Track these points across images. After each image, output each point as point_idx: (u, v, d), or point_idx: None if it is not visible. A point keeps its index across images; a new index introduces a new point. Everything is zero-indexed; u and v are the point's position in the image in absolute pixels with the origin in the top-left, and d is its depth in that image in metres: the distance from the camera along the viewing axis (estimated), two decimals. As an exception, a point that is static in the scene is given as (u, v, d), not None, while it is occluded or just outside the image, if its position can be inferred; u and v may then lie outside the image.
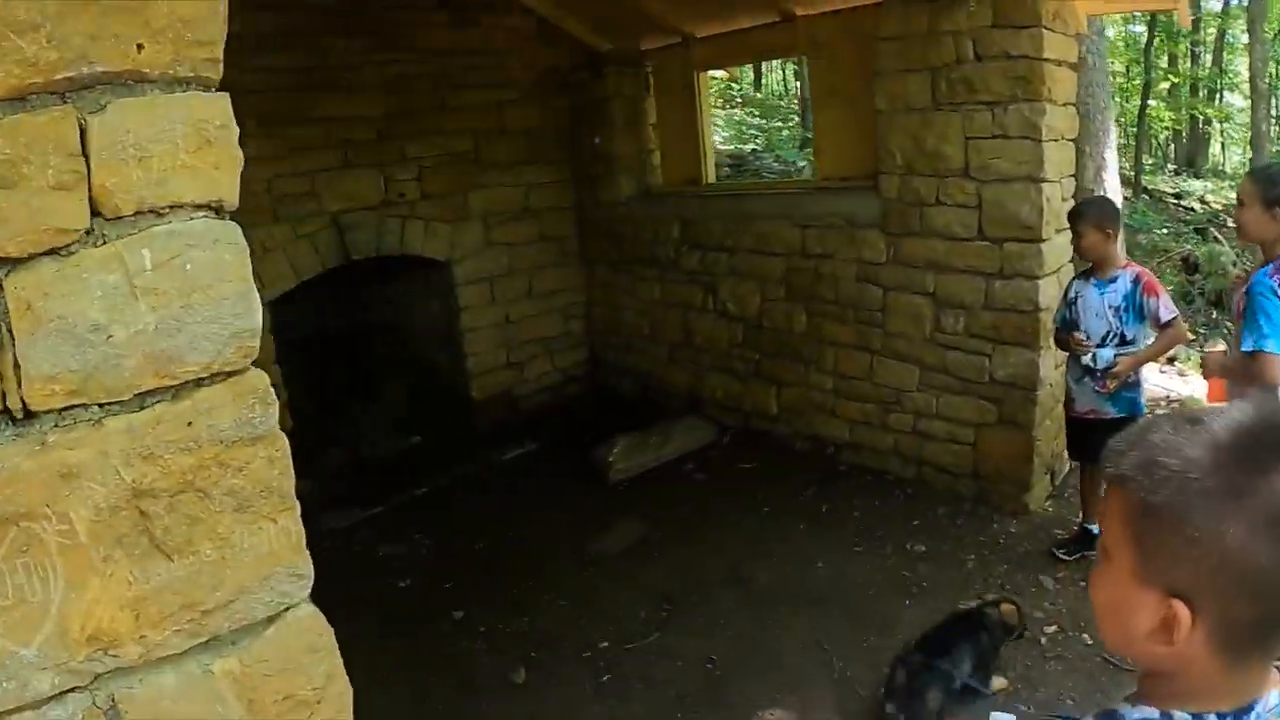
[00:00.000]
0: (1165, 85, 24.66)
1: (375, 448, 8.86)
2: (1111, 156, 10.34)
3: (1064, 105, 6.15)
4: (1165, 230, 15.84)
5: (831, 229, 7.25)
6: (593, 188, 9.47)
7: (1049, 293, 6.10)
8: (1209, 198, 19.88)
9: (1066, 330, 5.50)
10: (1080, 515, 6.01)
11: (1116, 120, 22.84)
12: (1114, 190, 10.13)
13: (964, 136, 6.19)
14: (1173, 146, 28.83)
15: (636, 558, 6.35)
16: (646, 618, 5.63)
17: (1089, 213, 5.42)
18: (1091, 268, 5.47)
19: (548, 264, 9.65)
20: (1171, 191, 20.21)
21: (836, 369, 7.44)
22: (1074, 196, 9.96)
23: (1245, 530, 1.09)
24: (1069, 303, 5.55)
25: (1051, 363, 6.26)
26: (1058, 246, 6.17)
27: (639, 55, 8.98)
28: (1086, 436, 5.50)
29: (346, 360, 9.29)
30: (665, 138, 9.17)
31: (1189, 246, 14.20)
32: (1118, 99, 23.96)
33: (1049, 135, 5.89)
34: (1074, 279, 5.63)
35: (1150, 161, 24.79)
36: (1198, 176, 24.08)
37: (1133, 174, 18.87)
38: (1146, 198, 18.42)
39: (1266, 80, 21.29)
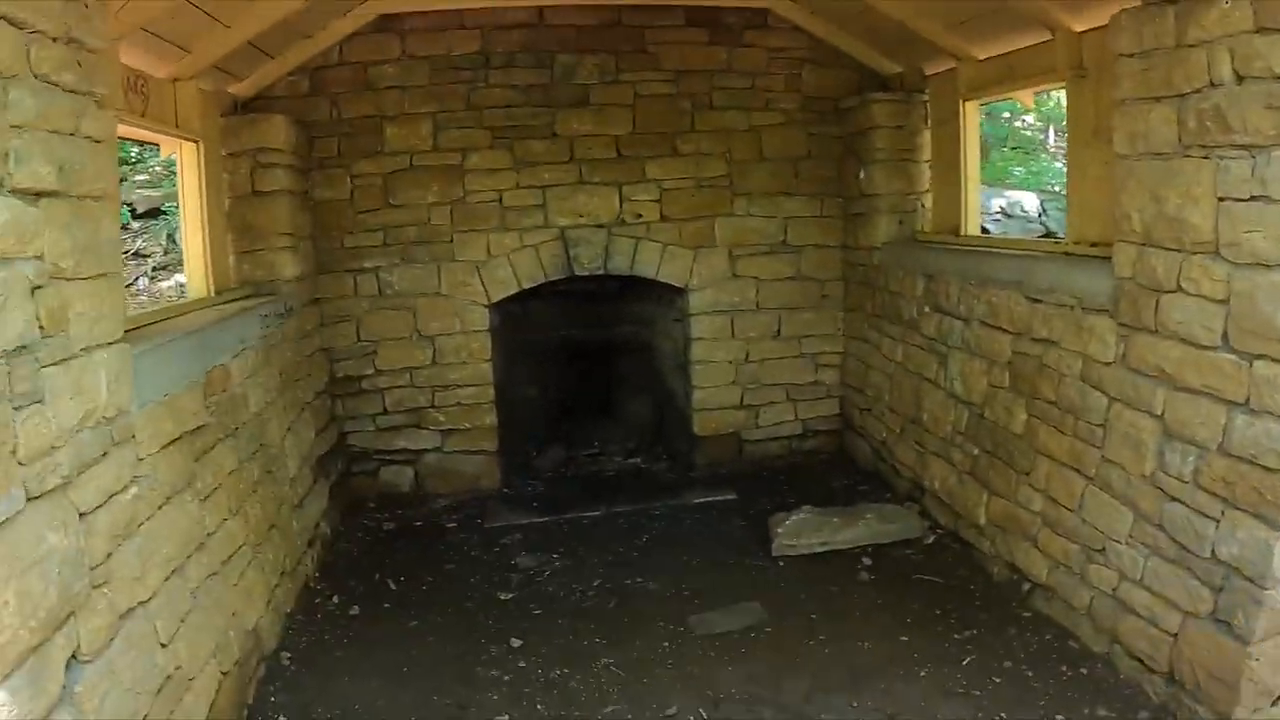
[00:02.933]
0: None
1: (595, 461, 8.43)
2: None
3: None
4: None
5: (1060, 309, 5.20)
6: (855, 228, 7.81)
7: (1310, 447, 3.77)
8: None
9: None
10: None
11: None
12: None
13: (1215, 196, 3.99)
14: None
15: (724, 648, 5.09)
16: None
17: None
18: None
19: (803, 305, 8.15)
20: None
21: (1048, 488, 5.34)
22: None
23: None
24: None
25: (1308, 551, 3.90)
26: (1338, 378, 3.79)
27: (921, 80, 7.27)
28: None
29: (596, 371, 8.88)
30: (935, 178, 7.36)
31: None
32: None
33: (1328, 199, 3.59)
34: None
35: None
36: None
37: None
38: None
39: None
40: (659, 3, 7.14)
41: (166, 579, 3.79)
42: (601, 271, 7.61)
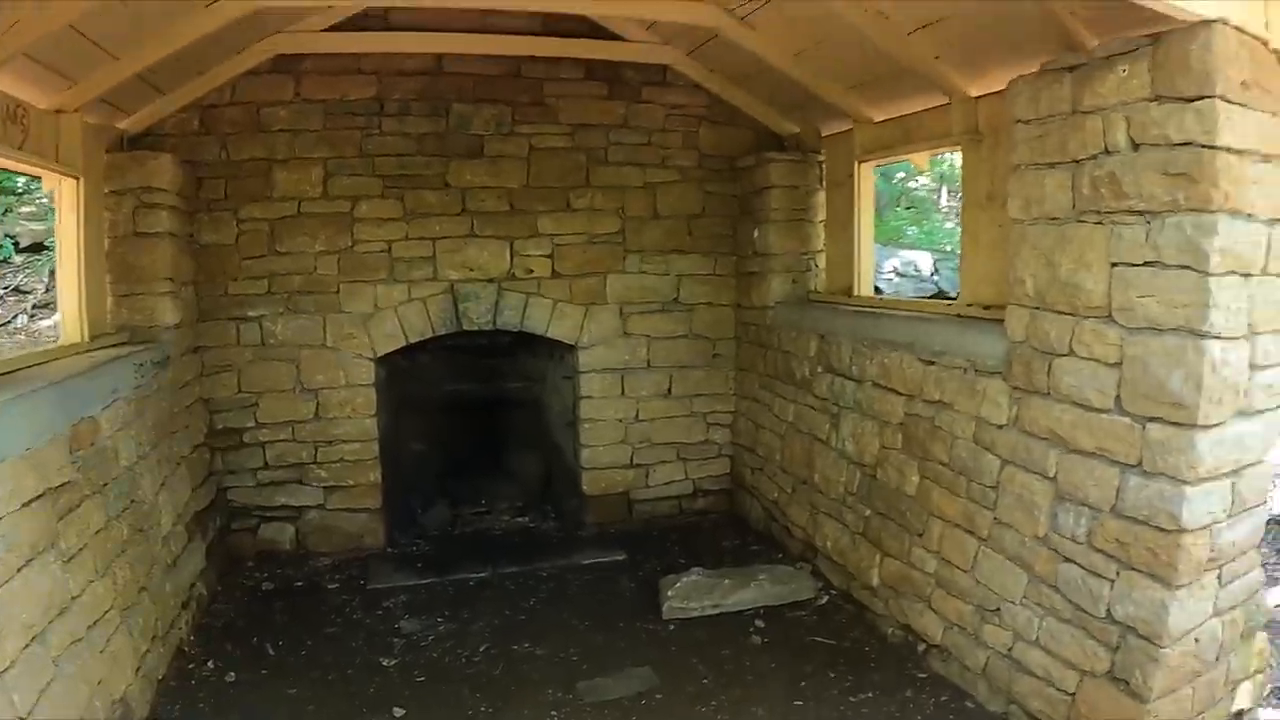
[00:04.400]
0: None
1: (483, 519, 8.10)
2: None
3: (1270, 222, 3.79)
4: None
5: (953, 371, 5.15)
6: (748, 287, 7.71)
7: (1201, 509, 3.76)
8: None
9: None
10: None
11: None
12: None
13: (1108, 261, 4.00)
14: None
15: (615, 715, 4.87)
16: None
17: None
18: None
19: (694, 363, 8.01)
20: None
21: (940, 549, 5.27)
22: None
23: None
24: None
25: (1197, 610, 3.91)
26: (1227, 440, 3.79)
27: (817, 140, 7.27)
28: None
29: (485, 427, 8.64)
30: (830, 238, 7.33)
31: None
32: None
33: (1222, 266, 3.59)
34: None
35: None
36: None
37: None
38: None
39: None
40: (559, 55, 7.01)
41: (25, 647, 3.45)
42: (491, 327, 7.38)
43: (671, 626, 5.88)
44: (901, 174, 15.41)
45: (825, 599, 6.26)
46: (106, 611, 4.30)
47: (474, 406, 8.39)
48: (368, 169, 6.99)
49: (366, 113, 6.96)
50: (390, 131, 7.03)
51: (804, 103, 6.83)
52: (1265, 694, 4.88)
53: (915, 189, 17.15)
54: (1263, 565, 6.73)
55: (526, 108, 7.30)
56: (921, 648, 5.35)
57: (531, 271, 7.40)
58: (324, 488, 7.13)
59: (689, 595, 6.03)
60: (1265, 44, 3.71)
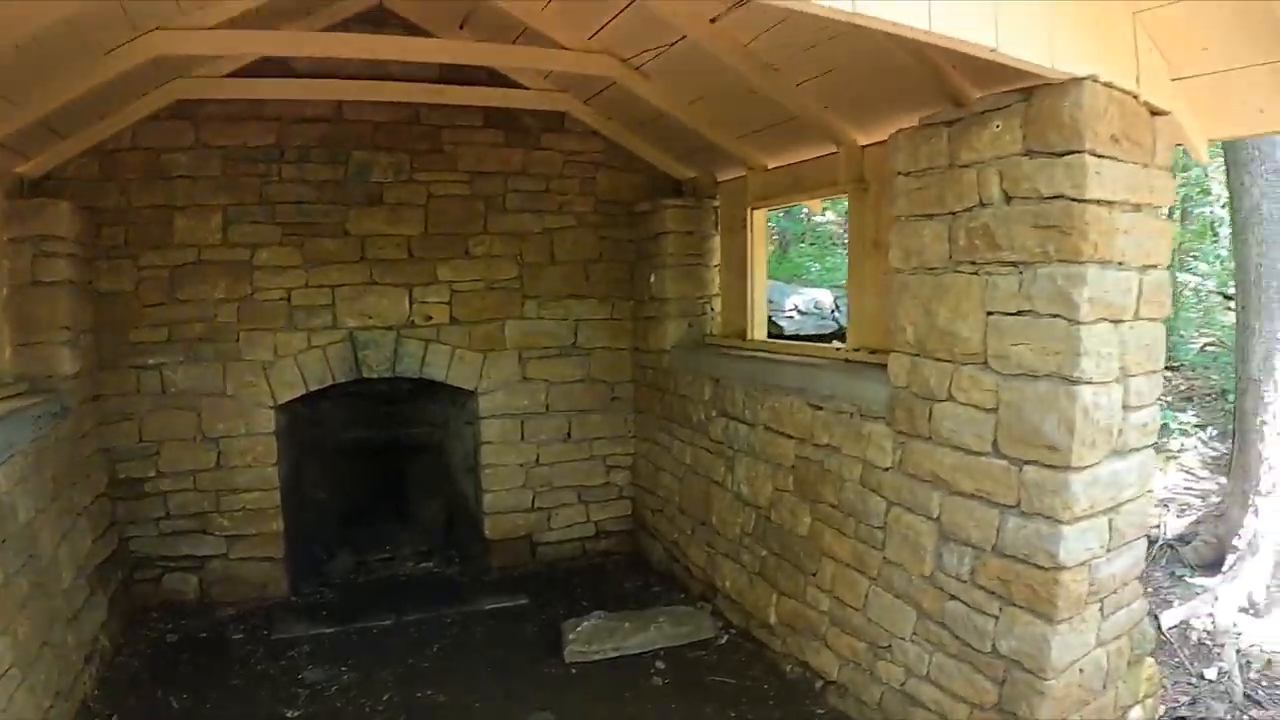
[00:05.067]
0: None
1: (387, 566, 7.91)
2: None
3: (1141, 269, 3.95)
4: None
5: (841, 415, 5.22)
6: (645, 331, 7.72)
7: (1078, 547, 3.86)
8: None
9: None
10: None
11: None
12: None
13: (984, 310, 4.09)
14: None
15: None
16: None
17: None
18: None
19: (593, 407, 7.99)
20: None
21: (833, 589, 5.32)
22: (1239, 386, 7.77)
23: None
24: None
25: (1080, 642, 3.99)
26: (1101, 480, 3.90)
27: (713, 186, 7.33)
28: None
29: (388, 473, 8.45)
30: (725, 282, 7.36)
31: None
32: None
33: (1092, 314, 3.69)
34: None
35: None
36: None
37: None
38: None
39: None
40: (458, 103, 6.95)
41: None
42: (390, 374, 7.27)
43: (574, 670, 5.82)
44: (806, 210, 15.63)
45: (725, 638, 6.26)
46: (8, 669, 4.11)
47: (376, 453, 8.24)
48: (267, 216, 6.84)
49: (266, 159, 6.82)
50: (290, 178, 6.90)
51: (699, 149, 6.88)
52: (1158, 717, 5.01)
53: (822, 224, 17.33)
54: (1154, 589, 7.04)
55: (425, 155, 7.23)
56: (819, 684, 5.39)
57: (430, 318, 7.31)
58: (227, 537, 6.91)
59: (590, 639, 5.98)
60: (1136, 98, 3.83)
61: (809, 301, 10.94)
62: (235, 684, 5.68)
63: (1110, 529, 4.00)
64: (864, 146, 5.56)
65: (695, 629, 6.26)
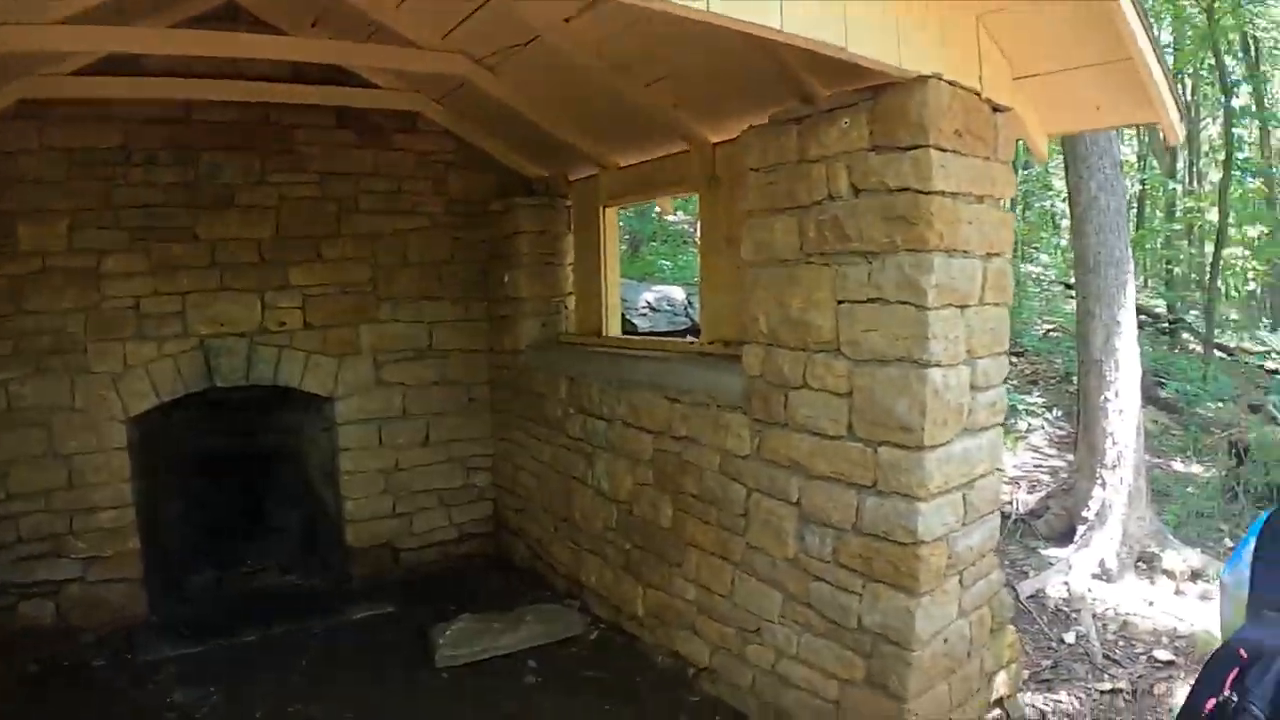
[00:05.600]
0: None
1: (250, 580, 7.52)
2: (1129, 320, 7.91)
3: (985, 257, 4.10)
4: (1232, 402, 13.03)
5: (697, 407, 5.22)
6: (500, 332, 7.59)
7: (935, 522, 3.96)
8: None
9: None
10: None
11: (1196, 268, 19.88)
12: (1130, 360, 7.80)
13: (835, 299, 4.15)
14: (1269, 299, 24.73)
15: None
16: None
17: None
18: None
19: (451, 410, 7.78)
20: (1259, 351, 16.89)
21: (699, 577, 5.32)
22: (1081, 368, 8.14)
23: None
24: None
25: (942, 613, 4.10)
26: (954, 457, 4.02)
27: (565, 185, 7.23)
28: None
29: (247, 484, 7.97)
30: (578, 281, 7.30)
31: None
32: (1193, 246, 20.98)
33: (939, 299, 3.80)
34: None
35: (1236, 317, 21.44)
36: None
37: (1203, 331, 15.77)
38: (1227, 358, 15.56)
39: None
40: (310, 103, 6.65)
41: None
42: (244, 382, 6.92)
43: (445, 675, 5.66)
44: (658, 210, 15.68)
45: (595, 633, 6.21)
46: None
47: (235, 463, 7.82)
48: (114, 221, 6.38)
49: (113, 162, 6.36)
50: (137, 182, 6.47)
51: (552, 148, 6.77)
52: (1022, 681, 5.20)
53: (672, 224, 17.41)
54: (1011, 562, 7.29)
55: (277, 156, 6.89)
56: (691, 672, 5.38)
57: (284, 324, 6.98)
58: (83, 559, 6.43)
59: (460, 642, 5.84)
60: (979, 95, 3.96)
61: (661, 298, 10.96)
62: (104, 713, 5.34)
63: (965, 504, 4.12)
64: (715, 144, 5.55)
65: (565, 626, 6.19)
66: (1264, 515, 1.92)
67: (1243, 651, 1.71)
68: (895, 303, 3.86)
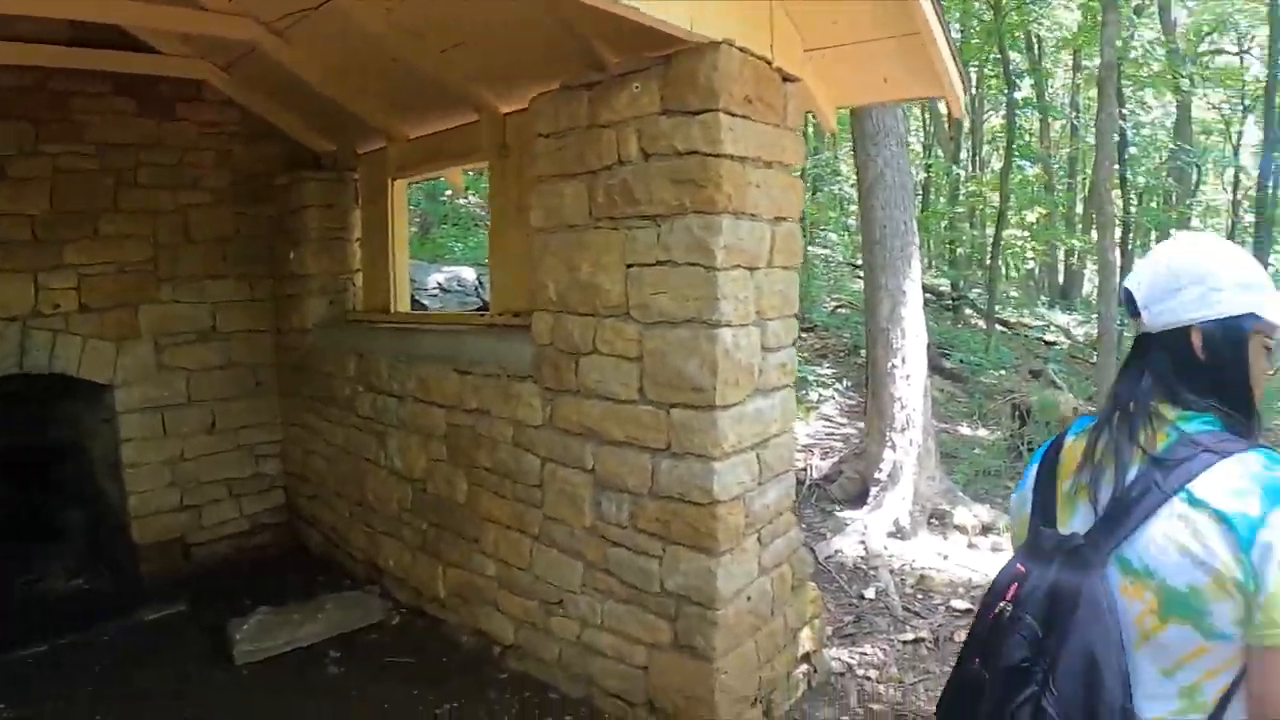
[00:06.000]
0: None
1: (33, 587, 6.76)
2: (914, 290, 8.10)
3: (774, 220, 4.08)
4: (1014, 370, 13.79)
5: (489, 379, 5.02)
6: (287, 311, 7.16)
7: (731, 481, 3.91)
8: (1075, 331, 17.87)
9: None
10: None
11: (982, 247, 21.03)
12: (915, 329, 8.00)
13: (624, 263, 4.05)
14: (1046, 278, 26.52)
15: None
16: None
17: None
18: None
19: (237, 395, 7.27)
20: (1037, 324, 18.07)
21: (498, 552, 5.13)
22: (869, 337, 8.33)
23: None
24: None
25: (743, 571, 4.07)
26: (747, 417, 3.97)
27: (354, 158, 6.84)
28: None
29: (27, 482, 7.22)
30: (366, 257, 6.94)
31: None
32: (975, 229, 22.04)
33: (728, 260, 3.75)
34: None
35: (1015, 294, 22.73)
36: (1071, 309, 22.00)
37: (985, 307, 16.68)
38: (1008, 332, 16.38)
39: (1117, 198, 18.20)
40: (87, 68, 6.02)
41: None
42: (18, 370, 6.24)
43: (245, 671, 5.28)
44: (449, 193, 15.29)
45: (398, 618, 5.94)
46: None
47: (12, 461, 7.09)
48: None
49: None
50: None
51: (341, 121, 6.37)
52: (827, 636, 5.26)
53: (463, 206, 17.08)
54: (808, 526, 7.39)
55: (51, 125, 6.20)
56: (497, 650, 5.20)
57: (59, 306, 6.33)
58: None
59: (258, 636, 5.46)
60: (769, 63, 3.95)
61: (452, 279, 10.67)
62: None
63: (760, 463, 4.10)
64: (506, 114, 5.33)
65: (365, 613, 5.89)
66: (1046, 443, 2.00)
67: (1021, 566, 1.77)
68: (684, 264, 3.79)
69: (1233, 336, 1.75)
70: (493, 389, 4.95)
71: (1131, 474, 1.70)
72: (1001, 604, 1.76)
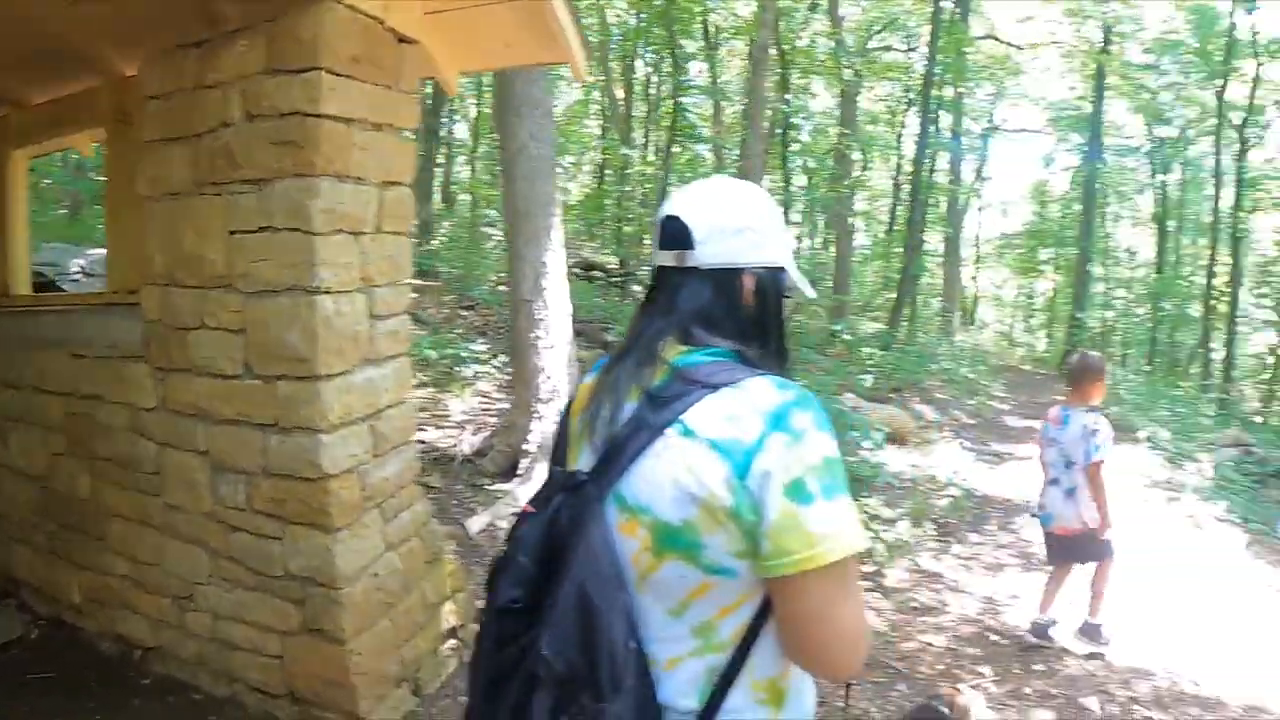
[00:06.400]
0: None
1: None
2: (556, 261, 7.98)
3: (383, 185, 3.91)
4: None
5: (102, 361, 4.61)
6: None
7: (341, 454, 3.74)
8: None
9: None
10: None
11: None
12: (559, 300, 7.91)
13: (227, 230, 3.79)
14: None
15: None
16: None
17: None
18: None
19: None
20: None
21: (125, 549, 4.71)
22: (513, 310, 8.19)
23: None
24: None
25: (366, 547, 3.90)
26: (356, 387, 3.80)
27: None
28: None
29: None
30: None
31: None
32: (645, 207, 22.46)
33: (329, 225, 3.58)
34: None
35: None
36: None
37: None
38: None
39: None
40: None
41: None
42: None
43: None
44: (100, 172, 14.16)
45: (36, 633, 5.35)
46: None
47: None
48: None
49: None
50: None
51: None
52: (476, 611, 5.09)
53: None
54: (459, 502, 7.24)
55: None
56: (138, 654, 4.78)
57: None
58: None
59: None
60: (381, 23, 3.76)
61: (96, 263, 9.85)
62: None
63: (374, 434, 3.95)
64: (128, 78, 4.86)
65: (4, 630, 5.35)
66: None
67: (529, 506, 1.70)
68: (284, 230, 3.58)
69: (779, 285, 1.77)
70: (106, 372, 4.53)
71: (626, 411, 1.66)
72: (505, 547, 1.70)
